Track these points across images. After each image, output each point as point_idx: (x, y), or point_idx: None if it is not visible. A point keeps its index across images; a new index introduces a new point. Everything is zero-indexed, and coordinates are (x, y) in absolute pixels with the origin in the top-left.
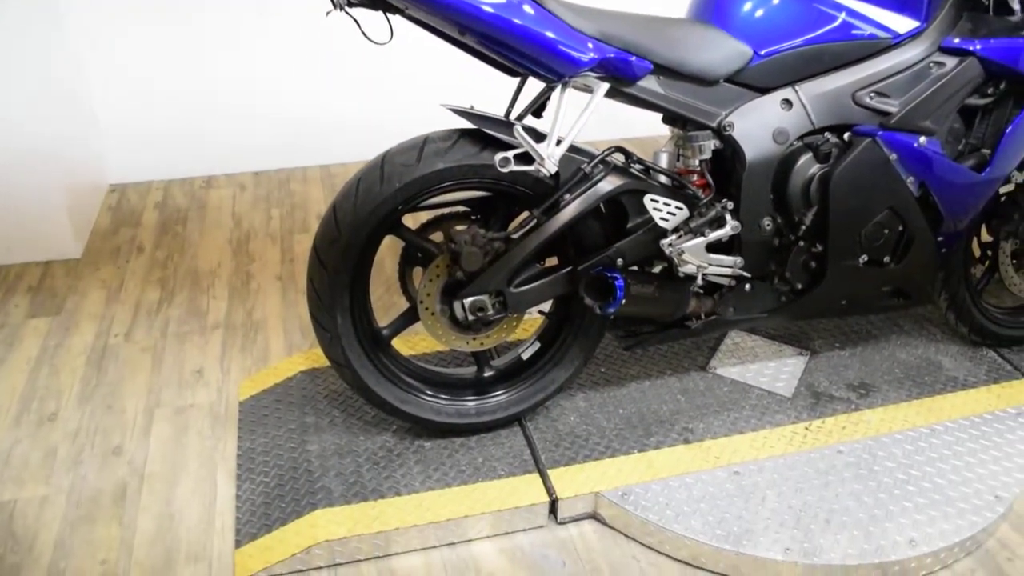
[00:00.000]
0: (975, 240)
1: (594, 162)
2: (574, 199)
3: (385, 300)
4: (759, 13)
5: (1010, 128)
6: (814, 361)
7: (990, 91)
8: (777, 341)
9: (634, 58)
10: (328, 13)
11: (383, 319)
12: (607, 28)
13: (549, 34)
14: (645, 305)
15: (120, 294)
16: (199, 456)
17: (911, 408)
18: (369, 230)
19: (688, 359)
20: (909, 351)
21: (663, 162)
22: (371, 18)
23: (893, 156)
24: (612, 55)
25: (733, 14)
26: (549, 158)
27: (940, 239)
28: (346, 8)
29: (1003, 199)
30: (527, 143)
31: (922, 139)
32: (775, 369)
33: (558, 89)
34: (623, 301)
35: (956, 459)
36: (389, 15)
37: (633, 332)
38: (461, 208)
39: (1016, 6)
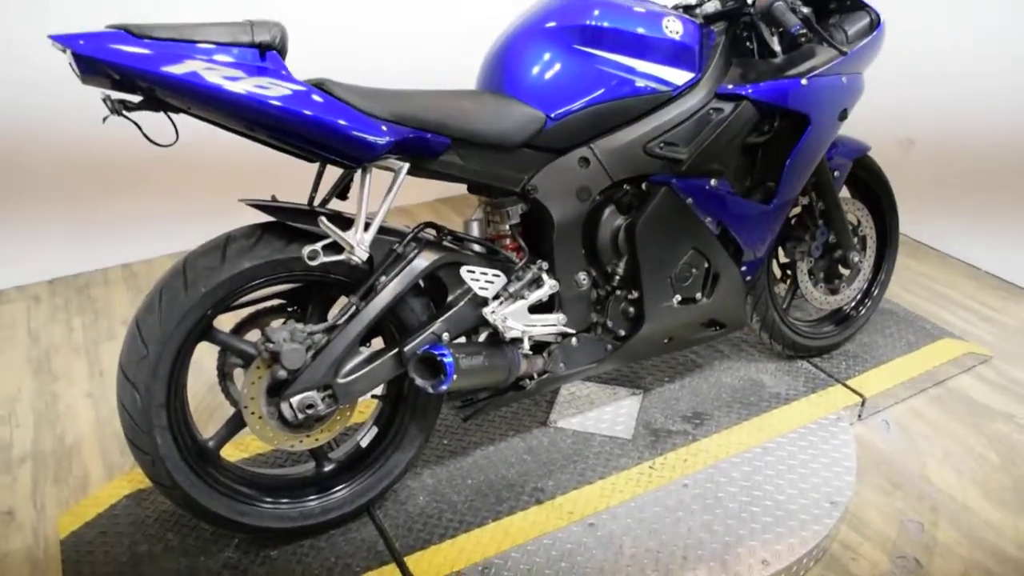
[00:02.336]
0: (775, 263)
1: (406, 240)
2: (390, 281)
3: (210, 402)
4: (546, 79)
5: (789, 160)
6: (648, 399)
7: (767, 128)
8: (611, 384)
9: (431, 135)
10: (105, 119)
11: (210, 427)
12: (400, 109)
13: (341, 122)
14: (477, 376)
15: None
16: None
17: (743, 430)
18: (178, 342)
19: (528, 416)
20: (733, 374)
21: (475, 231)
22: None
23: (689, 200)
24: (408, 135)
25: (522, 82)
26: (359, 245)
27: (744, 268)
28: (124, 113)
29: (793, 222)
30: (334, 233)
31: (713, 181)
32: (612, 413)
33: (359, 174)
34: (454, 377)
35: (791, 472)
36: (172, 114)
37: (470, 401)
38: (277, 301)
39: (777, 48)
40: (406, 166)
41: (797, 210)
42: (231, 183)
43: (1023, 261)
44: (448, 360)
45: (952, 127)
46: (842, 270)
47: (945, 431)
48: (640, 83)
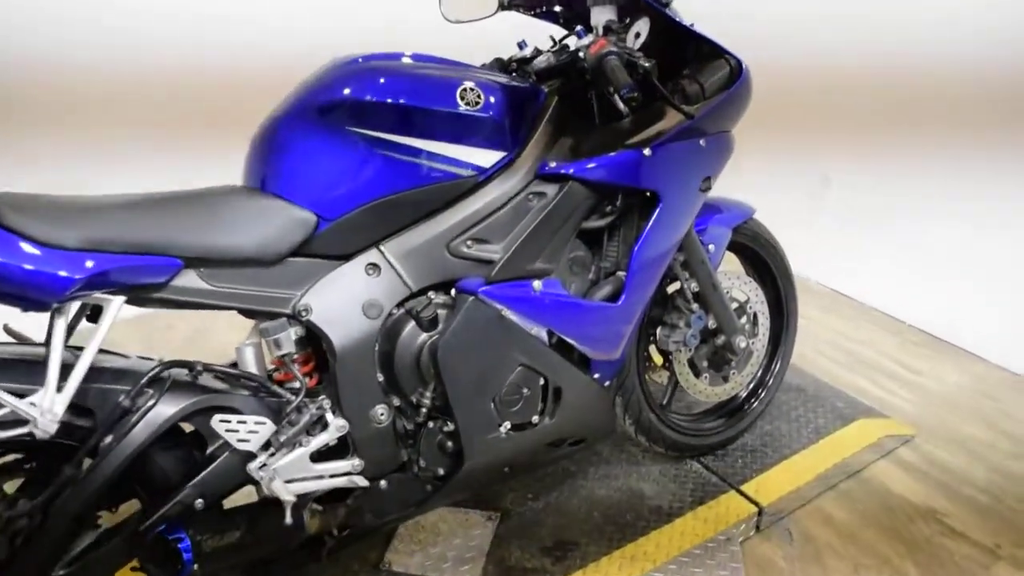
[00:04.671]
0: (654, 348)
1: (137, 388)
2: (119, 441)
3: None
4: (315, 171)
5: (637, 246)
6: (504, 525)
7: (609, 209)
8: (463, 508)
9: (151, 258)
10: None
11: None
12: (99, 232)
13: (8, 260)
14: (237, 554)
15: None
16: None
17: (612, 562)
18: None
19: (359, 558)
20: (609, 484)
21: (248, 360)
22: None
23: (505, 310)
24: (115, 264)
25: (285, 176)
26: (44, 415)
27: (597, 376)
28: None
29: (670, 295)
30: (7, 401)
31: (536, 284)
32: (460, 548)
33: (51, 316)
34: (196, 568)
35: None
36: None
37: (264, 562)
38: (12, 457)
39: (622, 106)
40: (119, 300)
41: (676, 285)
42: None
43: (950, 311)
44: (185, 546)
45: (867, 163)
46: (729, 356)
47: (857, 539)
48: (436, 168)
